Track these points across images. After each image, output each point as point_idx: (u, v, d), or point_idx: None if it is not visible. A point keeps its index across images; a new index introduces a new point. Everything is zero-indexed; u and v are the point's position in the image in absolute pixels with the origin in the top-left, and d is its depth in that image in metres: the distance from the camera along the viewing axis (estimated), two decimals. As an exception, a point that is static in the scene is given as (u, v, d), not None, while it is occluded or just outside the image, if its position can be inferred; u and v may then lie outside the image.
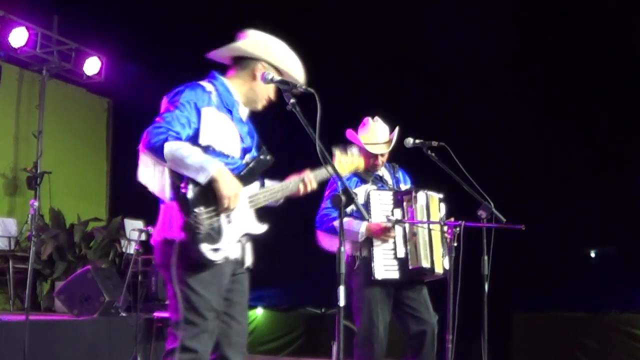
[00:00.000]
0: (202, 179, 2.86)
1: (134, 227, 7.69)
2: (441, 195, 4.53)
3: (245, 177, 3.11)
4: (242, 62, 3.21)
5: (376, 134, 4.51)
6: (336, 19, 8.21)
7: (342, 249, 2.86)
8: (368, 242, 4.33)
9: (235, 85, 3.20)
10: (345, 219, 3.99)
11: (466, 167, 4.34)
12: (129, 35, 8.62)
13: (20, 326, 5.19)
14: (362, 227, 4.26)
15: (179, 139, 2.91)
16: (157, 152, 2.86)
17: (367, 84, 8.08)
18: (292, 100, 2.99)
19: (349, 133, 4.57)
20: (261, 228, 3.19)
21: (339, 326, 2.83)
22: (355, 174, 4.51)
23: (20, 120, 9.08)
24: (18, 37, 7.99)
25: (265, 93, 3.22)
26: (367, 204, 4.32)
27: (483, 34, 7.51)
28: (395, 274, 4.30)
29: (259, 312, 8.96)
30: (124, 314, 6.58)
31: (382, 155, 4.51)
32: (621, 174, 7.68)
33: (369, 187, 4.45)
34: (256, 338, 8.78)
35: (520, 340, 7.75)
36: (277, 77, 3.06)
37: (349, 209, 4.11)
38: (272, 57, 3.19)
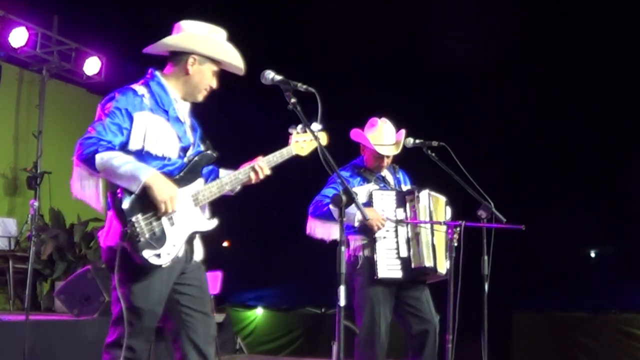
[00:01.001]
0: (134, 187, 2.88)
1: (134, 227, 7.68)
2: (446, 199, 4.53)
3: (187, 175, 3.10)
4: (176, 56, 3.20)
5: (385, 134, 4.50)
6: (336, 18, 8.21)
7: (342, 248, 2.85)
8: (371, 242, 4.32)
9: (170, 82, 3.19)
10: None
11: (466, 167, 4.34)
12: (129, 35, 8.61)
13: (20, 326, 5.18)
14: (358, 214, 4.23)
15: (111, 148, 2.92)
16: (89, 163, 2.88)
17: (368, 84, 8.08)
18: (292, 100, 2.99)
19: (356, 132, 4.57)
20: (210, 224, 3.17)
21: (339, 326, 2.84)
22: (358, 173, 4.51)
23: (20, 120, 9.07)
24: (18, 37, 7.98)
25: (203, 84, 3.20)
26: (369, 204, 4.31)
27: (484, 34, 7.52)
28: (398, 273, 4.30)
29: (259, 312, 8.96)
30: (124, 314, 6.57)
31: (388, 157, 4.51)
32: (621, 174, 7.68)
33: (372, 186, 4.45)
34: (256, 338, 8.79)
35: (520, 340, 7.75)
36: (278, 77, 3.03)
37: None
38: (203, 49, 3.17)
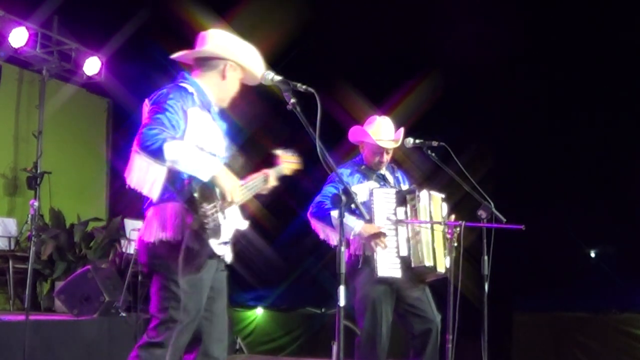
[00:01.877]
0: (205, 176, 2.91)
1: (134, 227, 7.69)
2: (443, 195, 4.53)
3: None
4: (209, 62, 3.25)
5: (384, 129, 4.52)
6: (339, 17, 8.22)
7: (342, 249, 2.85)
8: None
9: (206, 85, 3.23)
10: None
11: (466, 167, 4.34)
12: (129, 35, 8.61)
13: (20, 326, 5.19)
14: (356, 227, 4.25)
15: (175, 138, 2.93)
16: (157, 153, 2.85)
17: (368, 83, 8.07)
18: (292, 100, 3.00)
19: (355, 129, 4.57)
20: (245, 224, 3.25)
21: (339, 326, 2.84)
22: (358, 170, 4.52)
23: (20, 120, 9.07)
24: (18, 37, 7.97)
25: (233, 91, 3.29)
26: (370, 202, 4.31)
27: (486, 34, 7.52)
28: (397, 272, 4.29)
29: (259, 312, 8.96)
30: (124, 314, 6.58)
31: (387, 152, 4.50)
32: (621, 174, 7.68)
33: (372, 184, 4.45)
34: (256, 338, 8.78)
35: (520, 340, 7.75)
36: (277, 77, 3.05)
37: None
38: (237, 57, 3.24)
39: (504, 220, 4.21)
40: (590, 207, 7.70)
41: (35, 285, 7.55)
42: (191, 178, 2.92)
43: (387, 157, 4.52)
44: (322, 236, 4.43)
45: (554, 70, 7.96)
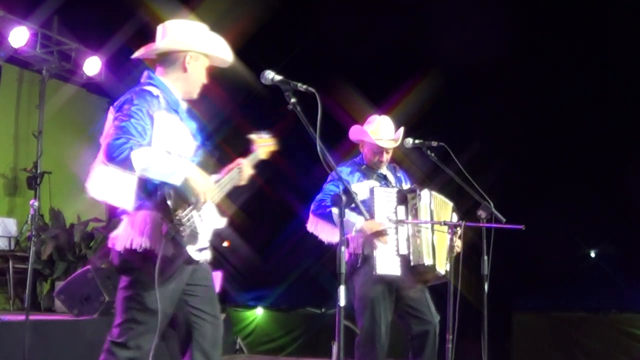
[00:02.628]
0: (176, 180, 2.88)
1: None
2: (453, 204, 4.52)
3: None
4: (169, 57, 3.20)
5: (383, 129, 4.53)
6: (337, 17, 8.21)
7: (342, 249, 2.85)
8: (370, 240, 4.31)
9: (170, 82, 3.18)
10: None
11: (466, 167, 4.34)
12: (129, 35, 8.61)
13: (20, 326, 5.19)
14: (358, 223, 4.24)
15: (142, 146, 2.89)
16: (125, 162, 2.82)
17: (368, 83, 8.07)
18: (292, 100, 2.99)
19: (355, 128, 4.58)
20: (223, 221, 3.22)
21: (339, 326, 2.83)
22: (359, 169, 4.52)
23: (20, 120, 9.07)
24: (18, 37, 7.97)
25: (200, 81, 3.22)
26: (370, 201, 4.31)
27: (484, 34, 7.51)
28: (397, 270, 4.29)
29: (259, 312, 8.96)
30: (124, 314, 6.57)
31: (387, 152, 4.50)
32: (621, 174, 7.67)
33: (372, 183, 4.45)
34: (256, 338, 8.78)
35: (520, 340, 7.74)
36: (278, 77, 3.03)
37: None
38: (196, 45, 3.18)
39: (504, 220, 4.20)
40: (590, 207, 7.70)
41: (35, 285, 7.55)
42: (162, 184, 2.89)
43: (386, 157, 4.52)
44: (320, 235, 4.43)
45: (554, 69, 7.95)
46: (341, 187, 3.01)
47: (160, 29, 3.25)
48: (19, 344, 5.01)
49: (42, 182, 8.31)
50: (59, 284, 6.91)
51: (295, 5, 8.28)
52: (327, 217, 4.30)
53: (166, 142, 3.02)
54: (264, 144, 3.53)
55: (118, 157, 2.82)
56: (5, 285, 7.63)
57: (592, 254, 8.33)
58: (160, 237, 2.88)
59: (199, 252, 2.97)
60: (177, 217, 2.87)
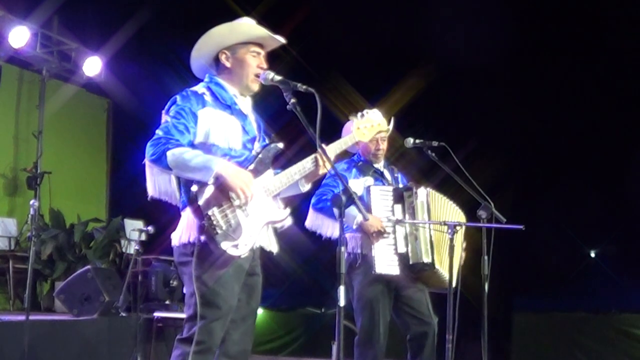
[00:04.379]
0: (207, 178, 2.91)
1: (134, 227, 7.69)
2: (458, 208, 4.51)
3: (257, 167, 3.13)
4: (215, 62, 3.25)
5: (373, 117, 4.52)
6: (336, 15, 8.21)
7: (342, 249, 2.85)
8: (367, 239, 4.31)
9: (224, 81, 3.22)
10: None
11: (466, 167, 4.34)
12: (129, 36, 8.61)
13: (20, 326, 5.19)
14: (359, 216, 4.22)
15: (180, 145, 2.95)
16: (161, 161, 2.92)
17: (368, 83, 8.07)
18: (292, 100, 3.00)
19: (350, 123, 4.56)
20: (283, 214, 3.20)
21: (339, 326, 2.83)
22: (355, 166, 4.51)
23: (20, 120, 9.08)
24: (18, 37, 7.98)
25: (247, 71, 3.20)
26: (367, 199, 4.30)
27: (484, 33, 7.51)
28: (395, 269, 4.28)
29: (259, 312, 8.95)
30: (124, 314, 6.58)
31: (382, 140, 4.49)
32: (621, 174, 7.67)
33: (368, 180, 4.44)
34: (256, 338, 8.68)
35: (520, 340, 7.75)
36: (277, 77, 3.05)
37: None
38: (226, 39, 3.19)
39: (504, 220, 4.20)
40: (590, 207, 7.70)
41: (35, 285, 7.56)
42: (197, 183, 2.92)
43: (382, 146, 4.51)
44: (320, 230, 4.41)
45: (554, 69, 7.95)
46: (340, 187, 3.01)
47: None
48: (19, 344, 5.01)
49: (42, 182, 8.31)
50: (59, 284, 6.91)
51: (294, 4, 8.27)
52: (329, 210, 4.29)
53: (212, 136, 3.07)
54: (362, 125, 3.44)
55: (154, 157, 2.93)
56: (5, 285, 7.64)
57: (592, 254, 8.33)
58: (197, 232, 2.95)
59: (235, 248, 2.95)
60: (207, 217, 2.89)
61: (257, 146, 3.21)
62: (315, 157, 3.22)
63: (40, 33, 8.41)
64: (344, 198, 2.90)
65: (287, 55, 7.45)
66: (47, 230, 8.00)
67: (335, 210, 4.09)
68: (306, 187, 3.33)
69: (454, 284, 4.26)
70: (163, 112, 3.12)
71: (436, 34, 7.63)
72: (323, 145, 3.20)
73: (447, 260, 4.29)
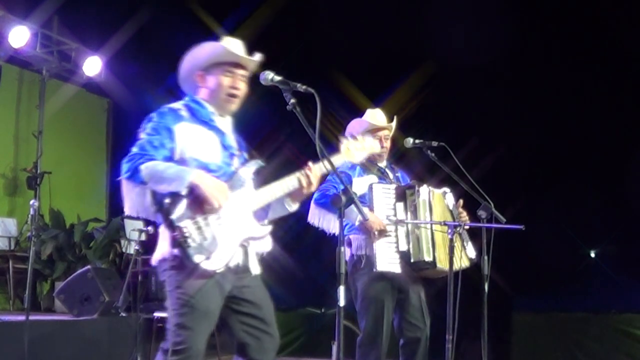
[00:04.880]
0: (181, 187, 2.89)
1: (134, 227, 7.69)
2: (447, 189, 4.51)
3: (236, 182, 3.10)
4: (192, 82, 3.26)
5: (377, 115, 4.56)
6: (336, 15, 8.21)
7: (342, 248, 2.85)
8: (370, 239, 4.31)
9: (202, 99, 3.23)
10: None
11: (466, 167, 4.34)
12: (129, 35, 8.61)
13: (20, 326, 5.19)
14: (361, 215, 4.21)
15: (153, 159, 2.95)
16: (135, 176, 2.91)
17: (367, 83, 8.07)
18: (292, 101, 2.99)
19: (353, 122, 4.59)
20: (263, 230, 3.15)
21: (339, 326, 2.83)
22: (359, 164, 4.52)
23: (20, 120, 9.08)
24: (18, 37, 7.98)
25: (221, 92, 3.18)
26: (369, 198, 4.31)
27: (484, 33, 7.51)
28: (397, 267, 4.29)
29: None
30: (124, 314, 6.58)
31: (385, 139, 4.51)
32: (621, 174, 7.67)
33: (372, 178, 4.45)
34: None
35: (520, 340, 7.74)
36: (277, 77, 3.01)
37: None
38: (198, 60, 3.21)
39: (504, 220, 4.20)
40: (590, 207, 7.70)
41: (35, 285, 7.56)
42: (171, 195, 2.89)
43: (386, 145, 4.53)
44: (323, 226, 4.41)
45: (554, 68, 7.95)
46: (340, 186, 3.00)
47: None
48: (19, 344, 5.01)
49: (42, 182, 8.31)
50: (59, 284, 6.92)
51: (293, 4, 8.27)
52: (329, 205, 4.30)
53: (190, 150, 3.06)
54: (352, 146, 3.39)
55: (129, 173, 2.93)
56: (5, 285, 7.64)
57: (592, 254, 8.33)
58: (170, 246, 2.92)
59: (209, 261, 2.90)
60: (179, 229, 2.86)
61: (236, 162, 3.19)
62: (299, 177, 3.18)
63: (40, 33, 8.41)
64: (343, 198, 2.89)
65: (287, 56, 7.47)
66: (47, 230, 8.00)
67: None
68: (293, 207, 3.29)
69: (443, 267, 4.29)
70: (140, 130, 3.10)
71: (436, 33, 7.62)
72: (310, 164, 3.20)
73: (472, 252, 4.31)
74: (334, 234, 4.39)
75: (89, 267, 6.63)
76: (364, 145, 3.43)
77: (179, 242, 2.86)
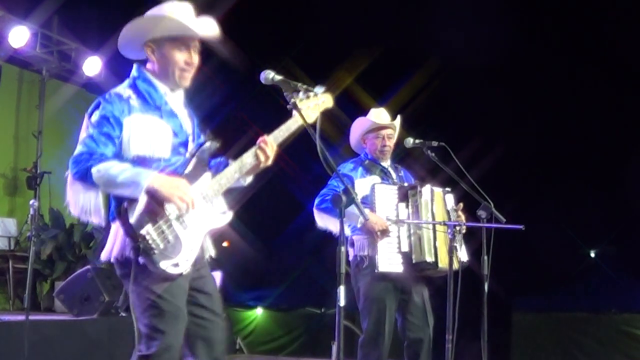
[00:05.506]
0: (137, 193, 2.74)
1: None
2: (448, 189, 4.52)
3: (193, 171, 2.93)
4: (142, 53, 3.03)
5: (381, 114, 4.56)
6: (336, 14, 8.21)
7: (342, 249, 2.85)
8: (373, 240, 4.32)
9: (154, 75, 3.01)
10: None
11: (466, 167, 4.34)
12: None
13: (20, 326, 5.18)
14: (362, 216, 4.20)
15: (105, 159, 2.79)
16: (86, 179, 2.76)
17: (367, 83, 8.07)
18: (292, 100, 2.98)
19: (356, 122, 4.60)
20: (224, 218, 3.01)
21: (339, 326, 2.83)
22: (362, 165, 4.52)
23: (20, 120, 9.07)
24: (18, 37, 7.97)
25: (173, 67, 2.97)
26: (372, 198, 4.31)
27: (483, 33, 7.51)
28: (399, 268, 4.29)
29: (259, 312, 8.96)
30: (124, 314, 6.58)
31: (389, 137, 4.51)
32: (621, 174, 7.68)
33: (375, 179, 4.46)
34: (256, 338, 8.78)
35: (520, 340, 7.74)
36: (278, 77, 2.96)
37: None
38: (149, 33, 2.97)
39: (504, 220, 4.20)
40: (590, 207, 7.70)
41: (35, 285, 7.55)
42: (128, 200, 2.75)
43: (389, 143, 4.53)
44: (329, 228, 4.42)
45: (554, 69, 7.95)
46: (341, 187, 2.99)
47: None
48: (19, 344, 5.00)
49: (42, 182, 8.30)
50: (59, 284, 6.91)
51: (294, 3, 8.28)
52: (329, 211, 4.31)
53: (139, 146, 2.88)
54: (305, 105, 3.05)
55: (79, 174, 2.77)
56: (5, 285, 7.63)
57: (592, 254, 8.33)
58: (132, 254, 2.78)
59: (176, 266, 2.77)
60: (141, 236, 2.71)
61: (190, 147, 3.01)
62: (256, 152, 3.01)
63: (40, 33, 8.40)
64: (344, 198, 2.89)
65: (287, 57, 7.48)
66: (47, 230, 7.99)
67: (336, 210, 4.14)
68: (247, 181, 3.14)
69: (444, 267, 4.29)
70: (86, 114, 2.95)
71: (437, 33, 7.62)
72: (265, 137, 3.02)
73: (464, 255, 4.32)
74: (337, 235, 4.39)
75: (88, 267, 6.62)
76: (317, 103, 3.14)
77: (143, 250, 2.71)
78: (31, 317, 5.25)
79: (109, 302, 6.38)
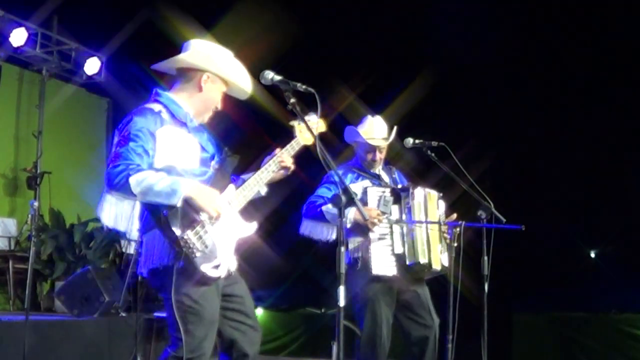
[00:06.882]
0: (175, 201, 2.86)
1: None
2: (440, 194, 4.53)
3: (218, 184, 3.09)
4: (187, 74, 3.18)
5: (376, 128, 4.55)
6: (336, 15, 8.21)
7: (342, 249, 2.85)
8: (366, 242, 4.31)
9: (182, 98, 3.16)
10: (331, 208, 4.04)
11: (465, 167, 4.34)
12: (129, 35, 8.61)
13: (20, 326, 5.18)
14: (350, 213, 4.21)
15: (141, 170, 2.90)
16: (124, 188, 2.86)
17: (366, 83, 8.07)
18: (292, 100, 2.99)
19: (349, 129, 4.60)
20: (251, 228, 3.21)
21: (339, 326, 2.83)
22: (353, 171, 4.53)
23: (20, 120, 9.07)
24: (18, 37, 7.97)
25: (213, 103, 3.19)
26: (363, 200, 4.31)
27: (483, 32, 7.51)
28: (393, 270, 4.29)
29: (259, 312, 8.96)
30: (124, 314, 6.58)
31: (380, 151, 4.51)
32: (621, 174, 7.67)
33: (366, 184, 4.46)
34: (256, 338, 8.77)
35: (520, 340, 7.74)
36: (277, 77, 3.00)
37: None
38: (216, 68, 3.16)
39: (504, 220, 4.20)
40: (590, 207, 7.70)
41: (35, 285, 7.55)
42: (166, 208, 2.88)
43: (380, 156, 4.54)
44: (314, 236, 4.44)
45: (553, 69, 7.95)
46: (340, 188, 3.00)
47: (185, 45, 3.23)
48: (19, 344, 5.01)
49: (42, 182, 8.31)
50: (59, 284, 6.91)
51: (293, 5, 8.27)
52: (319, 216, 4.32)
53: (171, 157, 3.02)
54: (304, 129, 3.34)
55: (118, 184, 2.87)
56: (5, 285, 7.63)
57: (592, 255, 8.33)
58: (172, 258, 2.91)
59: (215, 269, 2.94)
60: (183, 241, 2.85)
61: (214, 163, 3.21)
62: (275, 163, 3.25)
63: (40, 33, 8.40)
64: (344, 198, 2.89)
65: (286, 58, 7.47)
66: (47, 231, 7.99)
67: (327, 205, 4.15)
68: (264, 191, 3.37)
69: (439, 265, 4.29)
70: (117, 130, 3.06)
71: (436, 34, 7.63)
72: (279, 149, 3.26)
73: (445, 259, 4.31)
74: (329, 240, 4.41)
75: (88, 267, 6.62)
76: (312, 127, 3.25)
77: (185, 254, 2.85)
78: (31, 317, 5.25)
79: (109, 302, 6.38)
